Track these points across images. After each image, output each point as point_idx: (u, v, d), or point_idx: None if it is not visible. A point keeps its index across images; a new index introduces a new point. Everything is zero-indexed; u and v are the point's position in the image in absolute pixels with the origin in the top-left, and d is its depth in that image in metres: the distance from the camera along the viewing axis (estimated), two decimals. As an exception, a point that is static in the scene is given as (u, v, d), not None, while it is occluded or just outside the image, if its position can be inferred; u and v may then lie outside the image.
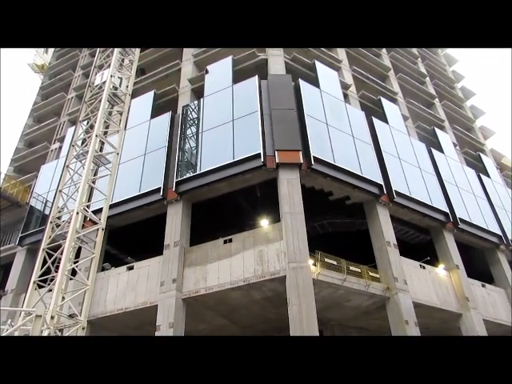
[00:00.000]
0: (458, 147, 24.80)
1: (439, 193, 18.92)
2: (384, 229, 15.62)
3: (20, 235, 19.13)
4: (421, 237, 19.33)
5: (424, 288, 15.78)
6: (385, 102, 21.38)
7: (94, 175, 14.22)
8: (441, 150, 22.11)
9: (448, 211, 18.25)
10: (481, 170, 24.37)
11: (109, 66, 16.64)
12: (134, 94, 18.48)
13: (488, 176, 23.93)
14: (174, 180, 15.68)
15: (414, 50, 29.77)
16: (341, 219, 18.57)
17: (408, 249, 17.06)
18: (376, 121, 19.22)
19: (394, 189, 16.59)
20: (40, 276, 11.41)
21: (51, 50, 34.16)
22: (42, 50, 35.26)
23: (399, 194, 16.72)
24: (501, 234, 20.07)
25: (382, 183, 16.43)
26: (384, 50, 26.00)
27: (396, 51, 26.88)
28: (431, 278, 16.50)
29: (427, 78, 28.11)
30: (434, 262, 17.75)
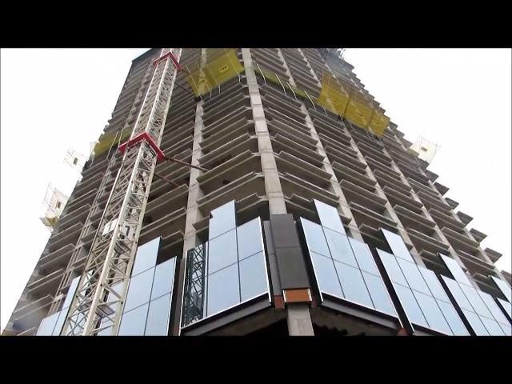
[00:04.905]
0: (467, 272, 24.36)
1: (459, 322, 17.89)
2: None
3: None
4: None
5: None
6: (386, 233, 21.75)
7: (96, 327, 13.69)
8: (451, 276, 21.68)
9: (472, 343, 17.01)
10: (497, 293, 23.48)
11: (117, 216, 17.43)
12: (141, 241, 18.92)
13: (506, 299, 22.96)
14: (180, 328, 15.00)
15: (406, 182, 31.49)
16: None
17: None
18: (381, 252, 19.27)
19: (410, 321, 15.75)
20: None
21: (63, 204, 36.09)
22: (55, 204, 37.21)
23: (417, 327, 15.77)
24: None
25: (398, 316, 15.68)
26: (377, 184, 27.50)
27: (389, 185, 28.41)
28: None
29: (423, 207, 29.10)
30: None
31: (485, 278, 25.14)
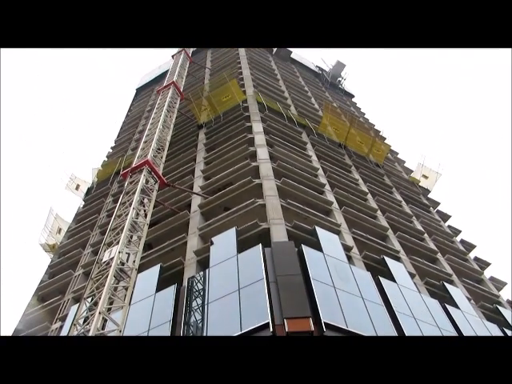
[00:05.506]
0: (472, 301, 23.94)
1: (465, 354, 17.46)
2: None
3: None
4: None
5: None
6: (389, 261, 21.52)
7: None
8: (455, 305, 21.30)
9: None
10: (502, 323, 23.01)
11: (118, 242, 17.36)
12: (141, 268, 18.73)
13: (512, 330, 22.45)
14: (179, 358, 14.66)
15: (408, 210, 31.40)
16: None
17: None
18: (383, 280, 19.01)
19: (415, 353, 15.38)
20: None
21: (64, 230, 35.97)
22: (56, 230, 37.10)
23: (422, 359, 15.40)
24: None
25: (402, 347, 15.32)
26: (379, 211, 27.43)
27: (391, 212, 28.33)
28: None
29: (425, 235, 28.91)
30: None
31: (490, 308, 24.68)
